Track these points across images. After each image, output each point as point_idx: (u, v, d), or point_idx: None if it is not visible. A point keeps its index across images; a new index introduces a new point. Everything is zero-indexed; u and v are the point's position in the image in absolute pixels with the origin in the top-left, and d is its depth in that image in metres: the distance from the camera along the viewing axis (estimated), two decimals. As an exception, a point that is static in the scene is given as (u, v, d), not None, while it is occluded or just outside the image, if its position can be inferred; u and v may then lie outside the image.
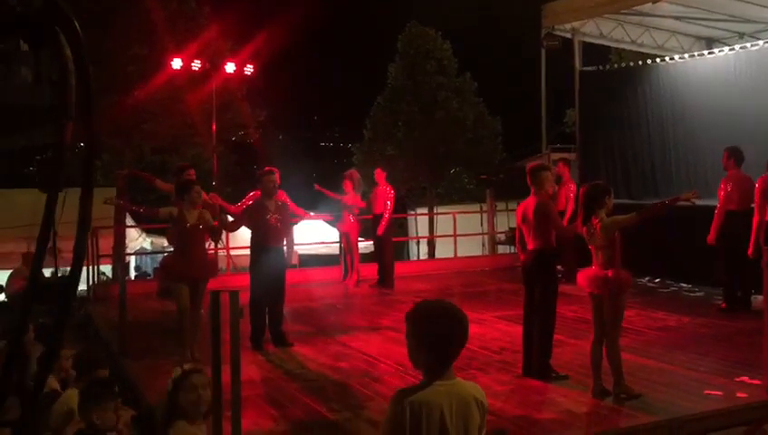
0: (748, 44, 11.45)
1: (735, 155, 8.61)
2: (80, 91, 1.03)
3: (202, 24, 18.54)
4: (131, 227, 18.66)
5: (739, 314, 8.21)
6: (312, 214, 9.66)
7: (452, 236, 14.12)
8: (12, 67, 1.04)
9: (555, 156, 13.57)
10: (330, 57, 40.33)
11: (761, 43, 11.10)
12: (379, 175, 11.44)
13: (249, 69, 19.36)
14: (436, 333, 2.46)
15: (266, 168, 7.77)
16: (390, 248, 11.62)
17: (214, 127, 18.23)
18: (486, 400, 2.58)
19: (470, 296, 10.42)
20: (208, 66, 17.91)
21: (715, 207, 8.57)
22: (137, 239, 20.25)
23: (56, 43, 1.02)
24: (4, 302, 11.42)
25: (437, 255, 20.97)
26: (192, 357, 6.56)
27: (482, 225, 15.58)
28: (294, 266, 12.57)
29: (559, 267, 6.85)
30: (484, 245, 16.01)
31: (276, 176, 7.62)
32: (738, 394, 5.44)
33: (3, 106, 1.05)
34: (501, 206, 15.01)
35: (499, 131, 28.18)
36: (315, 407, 5.52)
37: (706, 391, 5.52)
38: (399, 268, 11.93)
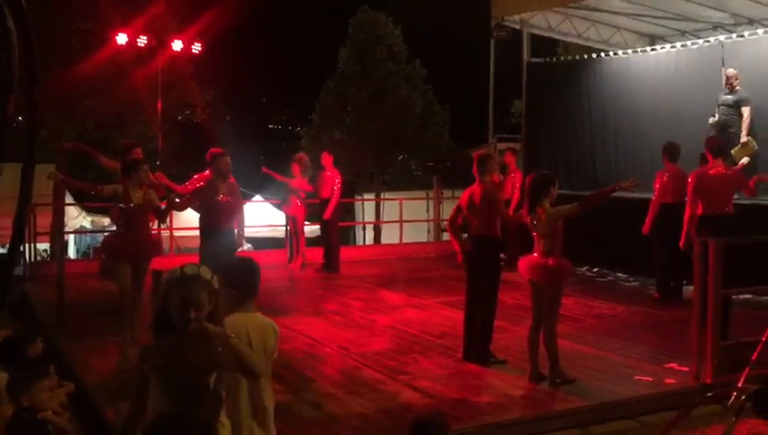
0: (689, 42, 11.80)
1: (671, 150, 8.92)
2: (23, 64, 1.02)
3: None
4: (71, 204, 18.22)
5: (671, 304, 8.53)
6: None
7: (398, 222, 14.21)
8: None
9: (502, 145, 13.77)
10: (280, 39, 39.87)
11: (700, 41, 11.45)
12: (326, 159, 11.42)
13: (197, 47, 18.99)
14: (248, 277, 3.55)
15: (214, 149, 7.68)
16: (337, 233, 11.64)
17: (159, 105, 17.84)
18: (279, 329, 3.56)
19: (414, 282, 10.53)
20: (154, 43, 17.48)
21: (651, 199, 8.87)
22: (76, 217, 19.77)
23: (-1, 14, 1.01)
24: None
25: (383, 240, 21.07)
26: (132, 338, 6.48)
27: (428, 211, 15.72)
28: (246, 249, 12.45)
29: (502, 255, 6.98)
30: (429, 231, 16.17)
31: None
32: (667, 380, 5.68)
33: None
34: (447, 193, 15.16)
35: (447, 119, 28.36)
36: (257, 389, 5.52)
37: (637, 377, 5.74)
38: (345, 253, 11.97)
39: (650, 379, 5.69)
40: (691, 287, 6.33)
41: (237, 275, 3.52)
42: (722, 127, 9.54)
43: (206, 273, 2.93)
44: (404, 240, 14.06)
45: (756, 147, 9.33)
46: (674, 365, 5.98)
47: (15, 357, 4.69)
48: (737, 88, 9.47)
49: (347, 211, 23.21)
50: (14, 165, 1.23)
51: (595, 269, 11.04)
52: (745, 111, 9.36)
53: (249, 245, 18.25)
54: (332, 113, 27.41)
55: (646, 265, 9.50)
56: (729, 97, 9.53)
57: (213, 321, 2.94)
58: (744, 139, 9.33)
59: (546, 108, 13.29)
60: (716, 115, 9.66)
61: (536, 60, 13.84)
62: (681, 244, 7.26)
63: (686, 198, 7.40)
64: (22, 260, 10.48)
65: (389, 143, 27.01)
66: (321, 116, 27.86)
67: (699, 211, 7.15)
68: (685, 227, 7.25)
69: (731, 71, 9.63)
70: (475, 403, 5.22)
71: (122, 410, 4.94)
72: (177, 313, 2.86)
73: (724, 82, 9.67)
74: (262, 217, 16.86)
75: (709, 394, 4.50)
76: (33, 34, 1.04)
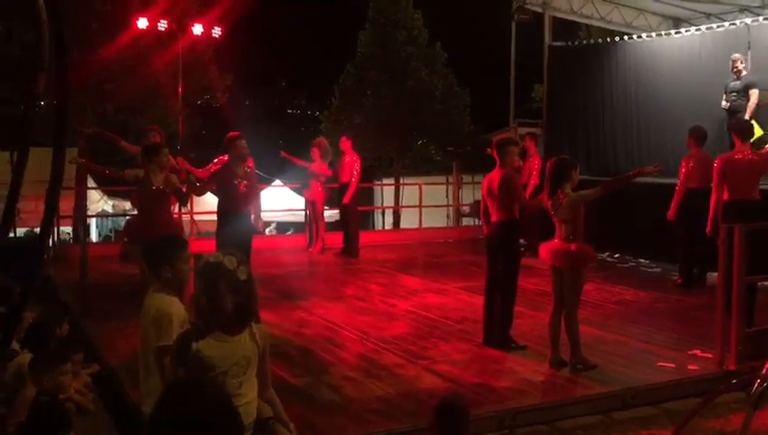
0: (714, 25, 11.61)
1: (696, 134, 8.78)
2: (54, 45, 1.02)
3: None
4: (93, 188, 18.38)
5: (694, 290, 8.44)
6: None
7: (417, 206, 14.19)
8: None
9: (522, 130, 13.67)
10: (300, 23, 39.80)
11: (726, 24, 11.26)
12: (345, 144, 11.42)
13: (217, 31, 18.99)
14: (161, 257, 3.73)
15: (232, 133, 7.69)
16: (356, 217, 11.65)
17: (180, 89, 17.88)
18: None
19: (433, 267, 10.52)
20: (175, 27, 17.49)
21: (675, 184, 8.76)
22: (98, 201, 19.96)
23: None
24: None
25: (402, 225, 21.06)
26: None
27: (447, 196, 15.68)
28: (263, 233, 12.50)
29: (522, 241, 6.95)
30: (449, 216, 16.13)
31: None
32: (690, 367, 5.62)
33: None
34: (467, 178, 15.11)
35: (468, 103, 28.15)
36: (278, 372, 5.54)
37: (660, 363, 5.69)
38: (364, 237, 11.98)
39: (673, 365, 5.65)
40: (715, 273, 6.26)
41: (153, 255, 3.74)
42: (731, 113, 9.50)
43: (230, 263, 2.88)
44: (423, 225, 14.03)
45: (762, 132, 9.19)
46: (697, 352, 5.93)
47: (44, 339, 4.75)
48: (744, 72, 9.42)
49: (366, 196, 23.22)
50: (36, 149, 1.23)
51: (617, 255, 10.95)
52: (753, 93, 9.30)
53: (274, 230, 18.36)
54: (352, 97, 27.30)
55: (669, 250, 9.41)
56: (737, 83, 9.49)
57: (244, 311, 2.92)
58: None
59: (568, 92, 13.16)
60: (726, 101, 9.62)
61: (558, 43, 13.69)
62: (708, 229, 7.16)
63: (712, 183, 7.30)
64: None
65: (409, 127, 26.87)
66: (340, 100, 27.77)
67: (725, 196, 7.05)
68: (711, 213, 7.15)
69: (736, 55, 9.58)
70: (495, 388, 5.21)
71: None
72: (196, 302, 2.90)
73: (730, 68, 9.60)
74: (281, 202, 16.91)
75: (733, 381, 4.45)
76: (62, 15, 1.04)
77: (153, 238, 6.71)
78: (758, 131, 9.02)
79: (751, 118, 9.21)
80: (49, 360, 4.24)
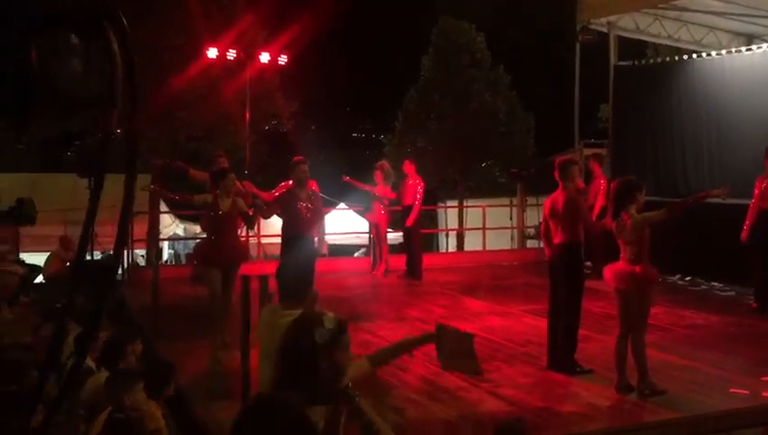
0: (788, 41, 11.27)
1: (771, 153, 8.52)
2: (125, 83, 1.11)
3: (237, 13, 18.68)
4: (165, 212, 18.99)
5: (770, 314, 8.14)
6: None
7: (481, 229, 14.12)
8: (63, 58, 1.13)
9: (588, 151, 13.48)
10: (363, 48, 40.35)
11: (801, 39, 10.91)
12: (409, 167, 11.51)
13: (283, 59, 19.47)
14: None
15: (296, 157, 7.88)
16: (419, 240, 11.68)
17: (247, 116, 18.37)
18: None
19: (497, 289, 10.45)
20: (243, 56, 18.04)
21: (749, 205, 8.49)
22: (170, 225, 20.59)
23: (105, 37, 1.11)
24: (42, 283, 11.72)
25: (466, 247, 20.96)
26: (222, 341, 6.72)
27: (511, 219, 15.56)
28: (324, 256, 12.67)
29: (588, 263, 6.85)
30: (513, 238, 16.00)
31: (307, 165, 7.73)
32: (764, 393, 5.43)
33: (53, 95, 1.14)
34: (531, 200, 14.97)
35: (531, 125, 27.95)
36: (341, 393, 5.61)
37: (732, 390, 5.52)
38: (428, 260, 11.99)
39: (746, 392, 5.46)
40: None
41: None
42: None
43: (330, 322, 2.79)
44: (487, 247, 13.95)
45: None
46: (772, 378, 5.72)
47: (119, 358, 4.93)
48: None
49: (430, 218, 23.23)
50: (112, 176, 1.32)
51: (688, 278, 10.64)
52: None
53: (363, 250, 18.45)
54: (415, 121, 27.48)
55: (743, 273, 9.09)
56: None
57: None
58: None
59: (634, 112, 12.94)
60: None
61: (624, 63, 13.50)
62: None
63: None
64: (121, 266, 11.02)
65: (473, 150, 26.84)
66: (404, 123, 27.97)
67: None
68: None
69: None
70: (559, 412, 5.15)
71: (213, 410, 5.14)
72: (325, 378, 2.68)
73: None
74: (346, 225, 17.11)
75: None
76: (133, 55, 1.14)
77: (225, 259, 6.92)
78: None
79: None
80: (127, 378, 4.39)
